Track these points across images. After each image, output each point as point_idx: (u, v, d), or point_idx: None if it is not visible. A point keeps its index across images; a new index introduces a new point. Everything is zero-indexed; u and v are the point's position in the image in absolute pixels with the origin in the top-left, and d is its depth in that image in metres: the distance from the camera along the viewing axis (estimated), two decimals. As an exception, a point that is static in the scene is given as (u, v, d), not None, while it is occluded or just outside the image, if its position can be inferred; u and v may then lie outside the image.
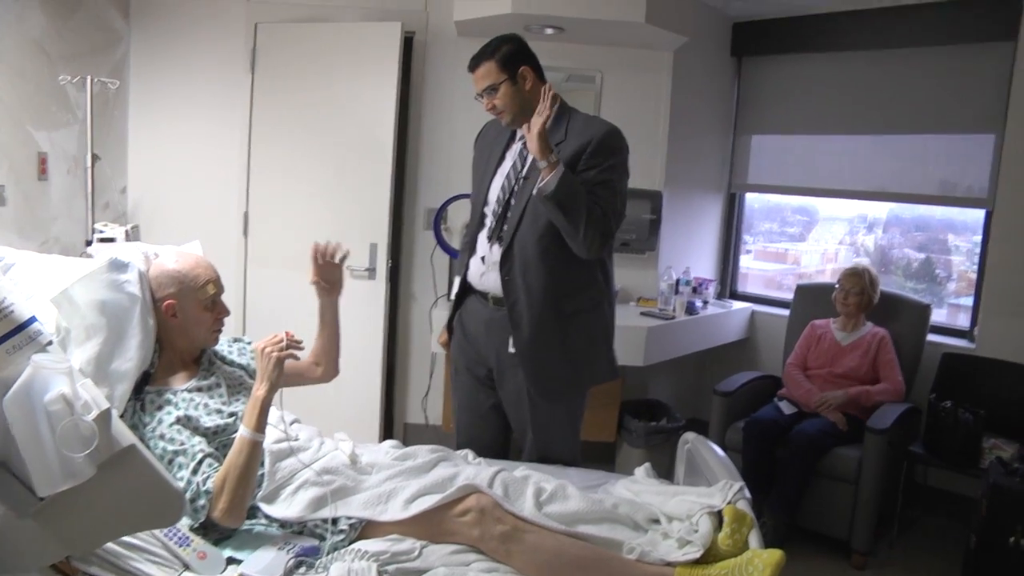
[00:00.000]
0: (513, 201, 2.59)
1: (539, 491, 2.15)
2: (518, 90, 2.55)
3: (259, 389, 2.02)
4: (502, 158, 2.70)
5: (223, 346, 2.46)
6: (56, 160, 3.79)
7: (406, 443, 2.51)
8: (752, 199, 5.28)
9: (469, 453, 2.54)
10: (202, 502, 1.92)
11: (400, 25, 4.00)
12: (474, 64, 2.58)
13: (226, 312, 2.32)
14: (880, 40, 4.38)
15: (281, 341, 2.07)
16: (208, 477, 1.94)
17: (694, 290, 4.59)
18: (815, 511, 3.62)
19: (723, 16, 4.85)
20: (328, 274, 2.48)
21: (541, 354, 2.59)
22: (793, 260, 5.36)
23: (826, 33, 4.57)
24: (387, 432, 4.43)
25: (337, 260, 2.48)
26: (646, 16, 3.81)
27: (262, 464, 2.09)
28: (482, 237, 2.69)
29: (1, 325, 1.69)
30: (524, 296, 2.56)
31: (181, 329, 2.24)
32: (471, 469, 2.23)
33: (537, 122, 2.36)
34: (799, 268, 5.31)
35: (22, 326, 1.71)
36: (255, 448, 1.98)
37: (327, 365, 2.61)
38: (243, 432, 1.98)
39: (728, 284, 5.25)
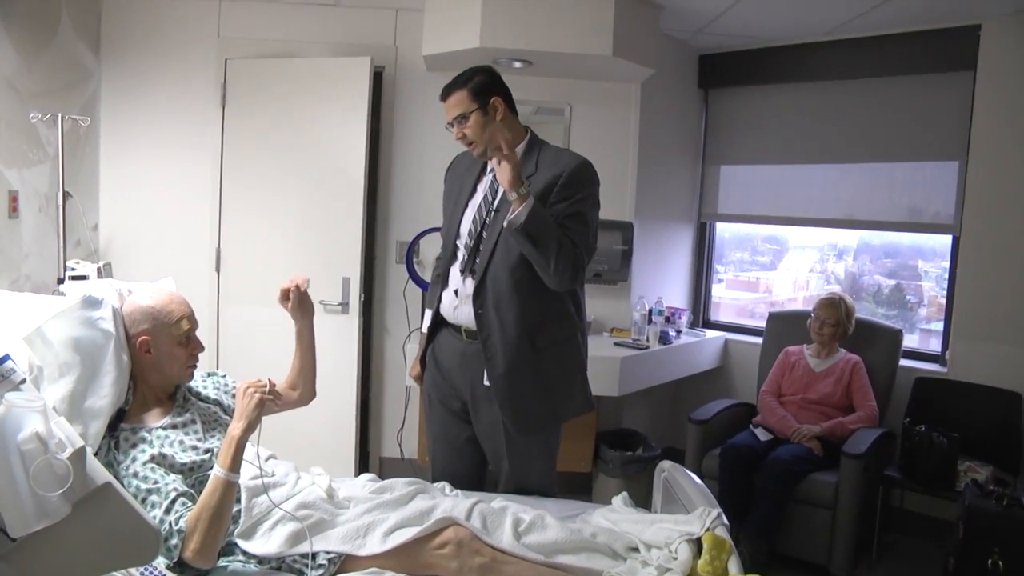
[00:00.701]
0: (485, 234, 2.60)
1: (517, 522, 2.15)
2: (489, 120, 2.55)
3: (236, 428, 2.00)
4: (473, 190, 2.70)
5: (197, 381, 2.44)
6: (27, 198, 3.75)
7: (382, 477, 2.50)
8: (723, 229, 5.34)
9: (446, 485, 2.52)
10: (174, 541, 1.89)
11: (369, 60, 4.03)
12: (446, 93, 2.59)
13: (200, 348, 2.31)
14: (844, 70, 4.49)
15: (265, 385, 2.06)
16: (181, 516, 1.91)
17: (667, 320, 4.62)
18: (793, 537, 3.64)
19: (689, 48, 4.94)
20: (301, 304, 2.50)
21: (516, 388, 2.58)
22: (765, 289, 5.42)
23: (791, 64, 4.67)
24: (363, 466, 4.40)
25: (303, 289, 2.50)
26: (613, 49, 3.86)
27: (238, 500, 2.07)
28: (454, 270, 2.69)
29: (-28, 364, 1.67)
30: (498, 329, 2.55)
31: (155, 365, 2.22)
32: (448, 501, 2.22)
33: (509, 155, 2.37)
34: (771, 296, 5.36)
35: (-6, 365, 1.70)
36: (229, 488, 1.95)
37: (304, 387, 2.60)
38: (217, 472, 1.95)
39: (701, 313, 5.29)
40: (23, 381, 1.74)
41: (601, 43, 3.86)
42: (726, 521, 2.09)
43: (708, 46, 4.93)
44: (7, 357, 1.72)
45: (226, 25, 4.28)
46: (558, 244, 2.39)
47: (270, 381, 2.09)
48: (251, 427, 2.01)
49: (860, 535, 3.63)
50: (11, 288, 3.61)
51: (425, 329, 2.87)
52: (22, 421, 1.62)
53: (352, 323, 4.14)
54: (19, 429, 1.61)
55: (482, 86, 2.55)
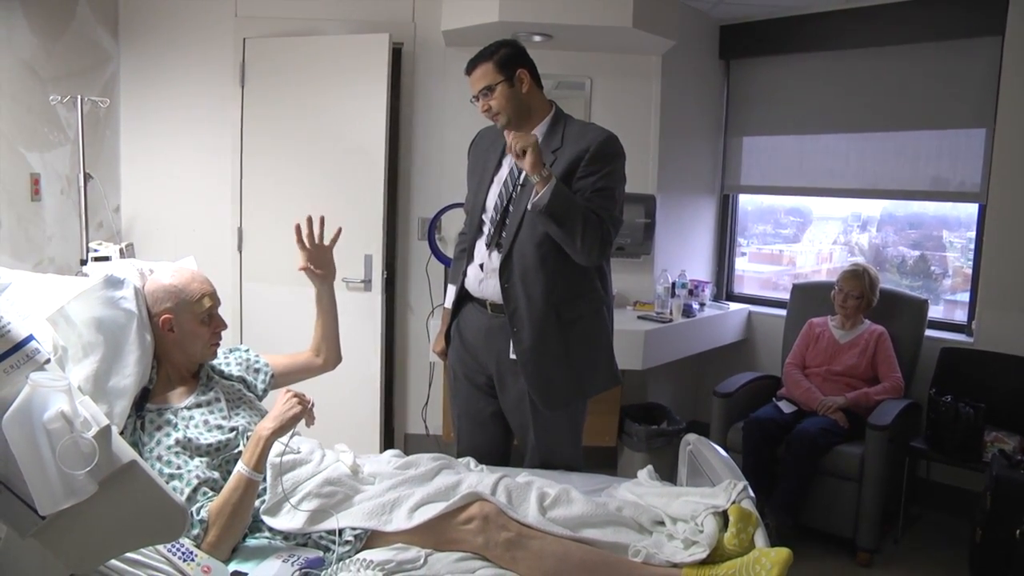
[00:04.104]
0: (511, 208, 2.59)
1: (543, 496, 2.15)
2: (515, 92, 2.55)
3: (266, 427, 2.01)
4: (499, 165, 2.69)
5: (220, 358, 2.45)
6: (49, 180, 3.78)
7: (407, 453, 2.50)
8: (745, 201, 5.29)
9: (471, 460, 2.53)
10: (196, 531, 1.92)
11: (388, 36, 4.01)
12: (471, 66, 2.58)
13: (223, 325, 2.32)
14: (868, 38, 4.41)
15: (310, 402, 2.09)
16: (202, 507, 1.94)
17: (690, 292, 4.59)
18: (819, 510, 3.62)
19: (710, 19, 4.88)
20: (319, 259, 2.51)
21: (542, 361, 2.58)
22: (788, 261, 5.37)
23: (813, 33, 4.60)
24: (388, 443, 4.42)
25: (328, 242, 2.53)
26: (633, 21, 3.82)
27: (264, 478, 2.08)
28: (480, 244, 2.68)
29: (-1, 344, 1.68)
30: (524, 303, 2.55)
31: (178, 344, 2.23)
32: (474, 476, 2.22)
33: (524, 139, 2.37)
34: (794, 269, 5.32)
35: (19, 345, 1.70)
36: (251, 486, 1.97)
37: (328, 352, 2.64)
38: (241, 469, 1.97)
39: (724, 286, 5.25)
40: (47, 361, 1.74)
41: (621, 15, 3.82)
42: (752, 494, 2.08)
43: (729, 16, 4.86)
44: (31, 337, 1.73)
45: (243, 4, 4.26)
46: (583, 221, 2.39)
47: (311, 400, 2.11)
48: (281, 431, 2.02)
49: (886, 507, 3.60)
50: (35, 270, 3.64)
51: (449, 304, 2.88)
52: (47, 400, 1.62)
53: (375, 300, 4.14)
54: (45, 408, 1.61)
55: (508, 58, 2.54)
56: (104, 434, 1.65)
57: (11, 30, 3.53)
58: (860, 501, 3.51)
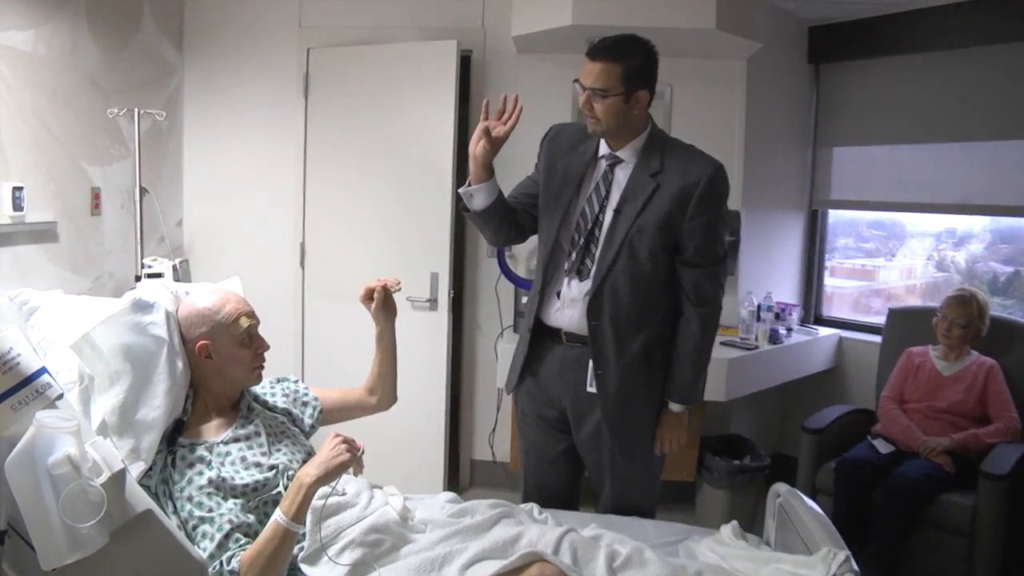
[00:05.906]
0: (599, 233, 2.37)
1: (612, 555, 1.90)
2: (627, 109, 2.32)
3: (309, 474, 1.80)
4: (582, 178, 2.46)
5: (265, 388, 2.28)
6: (109, 195, 3.73)
7: (473, 480, 2.29)
8: (829, 214, 4.94)
9: (535, 507, 2.30)
10: None
11: (456, 43, 3.85)
12: (598, 55, 2.32)
13: (265, 346, 2.13)
14: (974, 36, 4.02)
15: (359, 448, 1.89)
16: (234, 556, 1.74)
17: (777, 316, 4.28)
18: (921, 566, 3.24)
19: (798, 20, 4.57)
20: (385, 305, 2.37)
21: (626, 409, 2.40)
22: (874, 277, 4.99)
23: (911, 33, 4.24)
24: (452, 469, 4.22)
25: (394, 291, 2.38)
26: (717, 23, 3.57)
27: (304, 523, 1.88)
28: (555, 270, 2.46)
29: (5, 379, 1.54)
30: (613, 343, 2.36)
31: (219, 370, 2.06)
32: (535, 529, 1.98)
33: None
34: (879, 285, 4.94)
35: (28, 379, 1.56)
36: (289, 538, 1.76)
37: (384, 392, 2.45)
38: (279, 518, 1.76)
39: (812, 309, 4.91)
40: (60, 397, 1.60)
41: (704, 16, 3.57)
42: (856, 567, 1.79)
43: (818, 16, 4.54)
44: (43, 370, 1.58)
45: (308, 14, 4.18)
46: (701, 345, 2.40)
47: (362, 447, 1.91)
48: (325, 480, 1.81)
49: (1005, 567, 3.18)
50: (94, 285, 3.62)
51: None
52: (53, 443, 1.47)
53: (441, 320, 3.97)
54: (50, 451, 1.47)
55: (636, 73, 2.30)
56: (116, 480, 1.49)
57: (76, 43, 3.49)
58: (972, 559, 3.12)
